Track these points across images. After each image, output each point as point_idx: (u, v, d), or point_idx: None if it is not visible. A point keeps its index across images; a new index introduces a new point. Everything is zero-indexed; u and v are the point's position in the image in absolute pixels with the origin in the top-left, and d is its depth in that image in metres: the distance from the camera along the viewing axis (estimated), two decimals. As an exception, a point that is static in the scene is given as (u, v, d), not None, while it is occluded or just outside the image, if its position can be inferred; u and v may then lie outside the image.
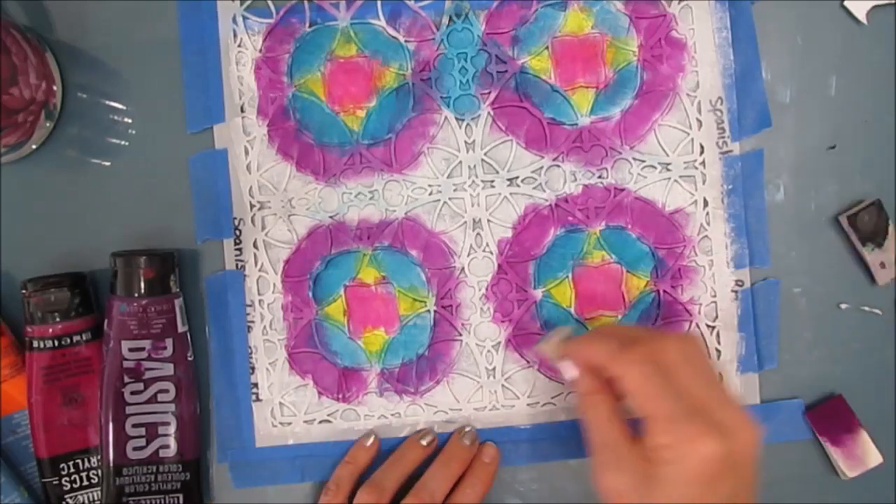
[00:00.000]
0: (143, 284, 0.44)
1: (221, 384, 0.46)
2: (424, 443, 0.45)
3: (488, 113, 0.46)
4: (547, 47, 0.46)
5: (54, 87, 0.45)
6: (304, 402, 0.46)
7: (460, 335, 0.46)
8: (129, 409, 0.44)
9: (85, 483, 0.45)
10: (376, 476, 0.44)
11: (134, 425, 0.44)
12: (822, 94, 0.46)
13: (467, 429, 0.46)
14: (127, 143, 0.46)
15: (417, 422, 0.46)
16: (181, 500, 0.45)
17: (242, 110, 0.46)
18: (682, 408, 0.35)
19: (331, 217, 0.46)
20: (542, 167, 0.46)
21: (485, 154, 0.46)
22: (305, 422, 0.46)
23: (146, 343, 0.44)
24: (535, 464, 0.47)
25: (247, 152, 0.46)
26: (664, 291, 0.46)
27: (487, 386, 0.46)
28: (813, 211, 0.46)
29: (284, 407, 0.46)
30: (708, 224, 0.46)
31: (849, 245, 0.46)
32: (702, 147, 0.46)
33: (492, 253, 0.46)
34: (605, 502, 0.38)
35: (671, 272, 0.46)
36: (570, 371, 0.41)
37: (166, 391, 0.44)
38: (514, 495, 0.47)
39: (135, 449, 0.44)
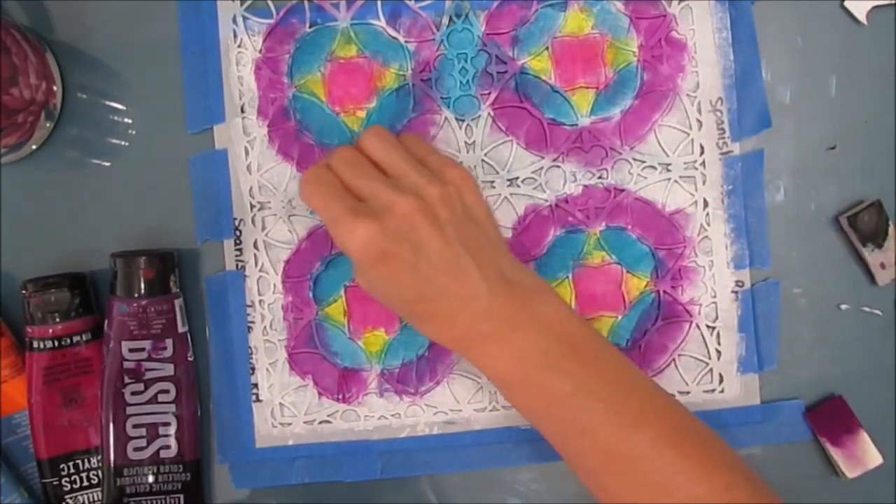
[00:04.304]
0: (143, 284, 0.43)
1: (221, 384, 0.46)
2: None
3: (488, 113, 0.46)
4: (547, 48, 0.46)
5: (54, 87, 0.45)
6: (304, 402, 0.46)
7: (460, 335, 0.46)
8: (129, 410, 0.44)
9: (85, 484, 0.45)
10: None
11: (134, 426, 0.44)
12: (822, 94, 0.46)
13: None
14: (127, 143, 0.46)
15: (417, 422, 0.46)
16: (182, 501, 0.45)
17: (242, 111, 0.46)
18: (340, 208, 0.37)
19: (331, 217, 0.46)
20: (542, 168, 0.46)
21: (485, 155, 0.46)
22: (305, 422, 0.46)
23: (146, 343, 0.44)
24: (535, 464, 0.47)
25: (247, 153, 0.46)
26: (664, 292, 0.46)
27: (487, 386, 0.46)
28: (813, 211, 0.46)
29: (284, 407, 0.46)
30: (708, 225, 0.46)
31: (849, 245, 0.46)
32: (702, 147, 0.46)
33: (492, 253, 0.46)
34: None
35: (671, 273, 0.46)
36: None
37: (167, 391, 0.44)
38: (514, 495, 0.47)
39: (135, 449, 0.44)
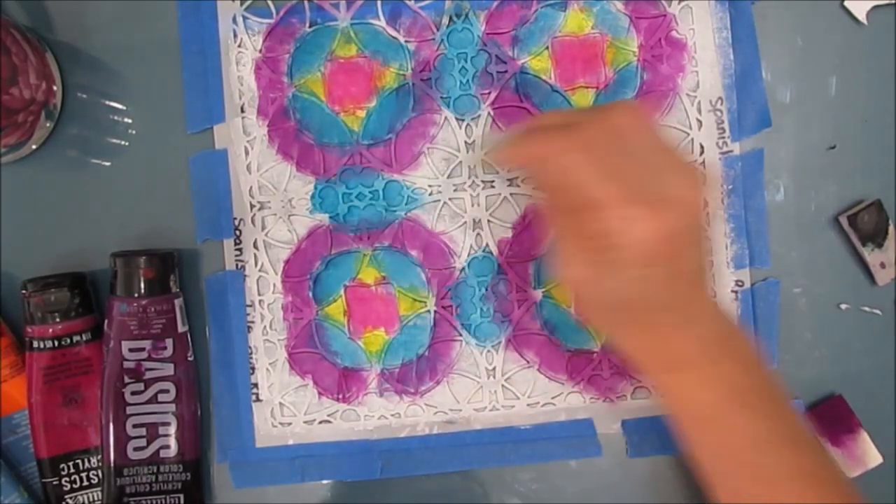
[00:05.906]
0: (143, 284, 0.44)
1: (221, 384, 0.46)
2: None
3: (488, 113, 0.46)
4: (547, 47, 0.46)
5: (54, 87, 0.45)
6: (304, 402, 0.46)
7: (460, 335, 0.46)
8: (129, 410, 0.44)
9: (85, 483, 0.45)
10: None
11: (134, 425, 0.44)
12: (822, 94, 0.46)
13: None
14: (127, 143, 0.46)
15: (417, 422, 0.46)
16: (182, 501, 0.45)
17: (242, 110, 0.46)
18: (620, 193, 0.34)
19: (331, 217, 0.46)
20: (542, 167, 0.46)
21: (485, 154, 0.46)
22: (305, 422, 0.46)
23: (146, 343, 0.44)
24: (535, 464, 0.47)
25: (247, 152, 0.46)
26: (664, 291, 0.46)
27: (487, 386, 0.46)
28: (813, 211, 0.46)
29: (284, 407, 0.46)
30: (708, 224, 0.46)
31: (849, 245, 0.46)
32: (702, 147, 0.46)
33: (492, 253, 0.46)
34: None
35: (671, 272, 0.46)
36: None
37: (167, 391, 0.44)
38: (514, 495, 0.47)
39: (135, 449, 0.44)
